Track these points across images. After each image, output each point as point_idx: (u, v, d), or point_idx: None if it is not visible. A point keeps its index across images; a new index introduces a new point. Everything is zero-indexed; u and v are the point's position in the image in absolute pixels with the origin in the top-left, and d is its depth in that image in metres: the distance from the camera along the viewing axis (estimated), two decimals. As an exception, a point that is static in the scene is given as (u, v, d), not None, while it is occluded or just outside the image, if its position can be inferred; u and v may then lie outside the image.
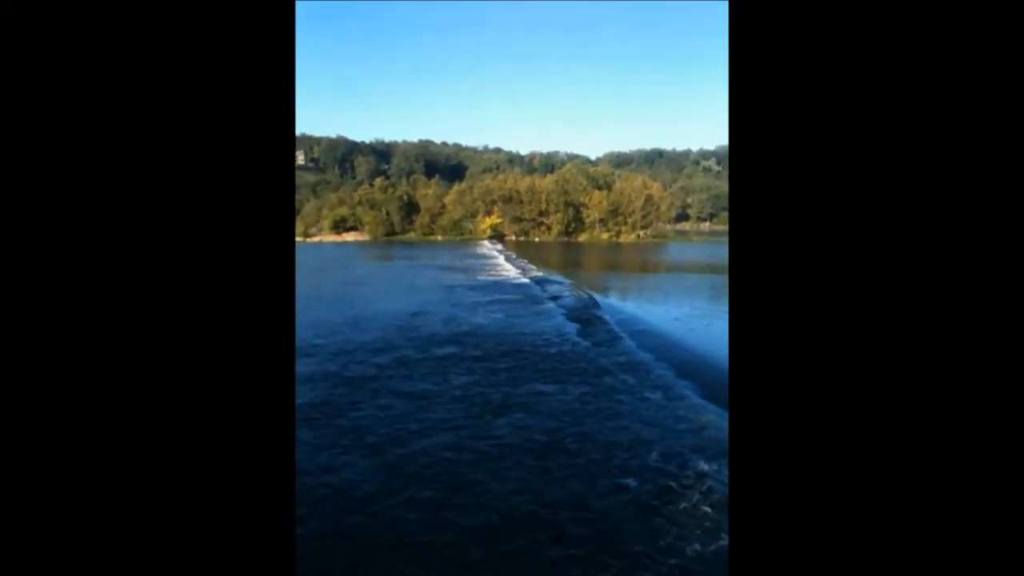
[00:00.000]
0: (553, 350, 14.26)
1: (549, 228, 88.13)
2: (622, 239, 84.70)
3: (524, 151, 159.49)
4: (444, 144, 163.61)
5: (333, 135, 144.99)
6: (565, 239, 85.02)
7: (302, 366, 12.73)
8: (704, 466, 7.10)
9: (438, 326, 17.31)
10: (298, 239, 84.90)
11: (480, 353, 13.93)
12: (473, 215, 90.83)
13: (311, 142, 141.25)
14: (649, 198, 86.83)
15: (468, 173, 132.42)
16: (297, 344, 14.86)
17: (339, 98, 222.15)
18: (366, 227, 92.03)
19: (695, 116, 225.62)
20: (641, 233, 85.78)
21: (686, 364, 12.51)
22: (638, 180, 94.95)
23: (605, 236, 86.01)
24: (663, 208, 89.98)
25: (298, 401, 10.61)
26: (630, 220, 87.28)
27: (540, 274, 33.87)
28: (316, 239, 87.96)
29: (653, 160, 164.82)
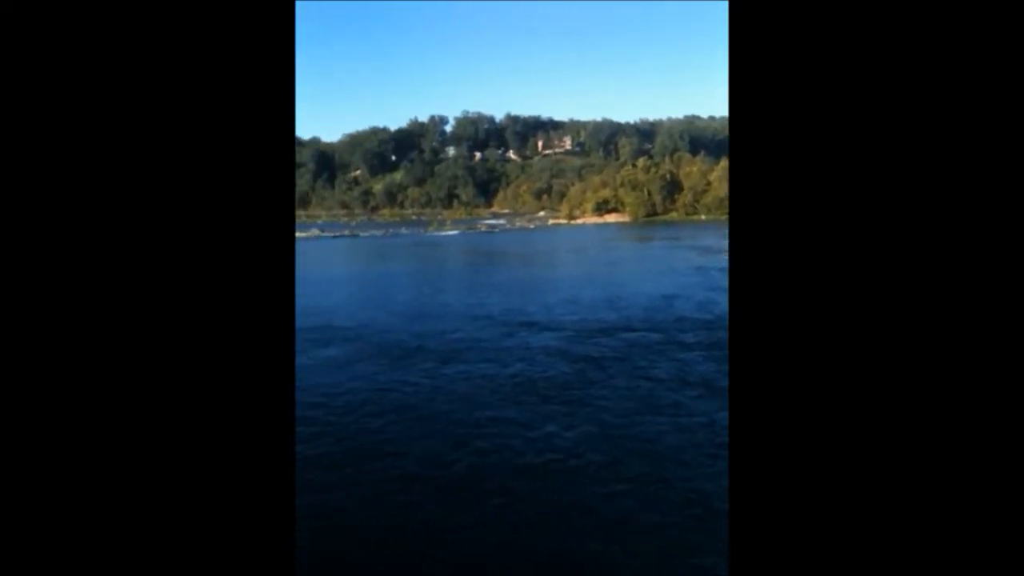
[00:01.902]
0: None
1: None
2: None
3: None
4: (711, 119, 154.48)
5: (599, 118, 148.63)
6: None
7: (545, 340, 13.60)
8: None
9: (689, 310, 16.81)
10: (562, 222, 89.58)
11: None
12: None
13: (578, 127, 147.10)
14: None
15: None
16: (545, 320, 16.25)
17: (603, 79, 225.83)
18: (627, 208, 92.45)
19: None
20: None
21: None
22: None
23: None
24: None
25: (538, 375, 11.45)
26: None
27: None
28: (579, 221, 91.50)
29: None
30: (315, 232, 66.24)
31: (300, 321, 17.42)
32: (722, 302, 17.96)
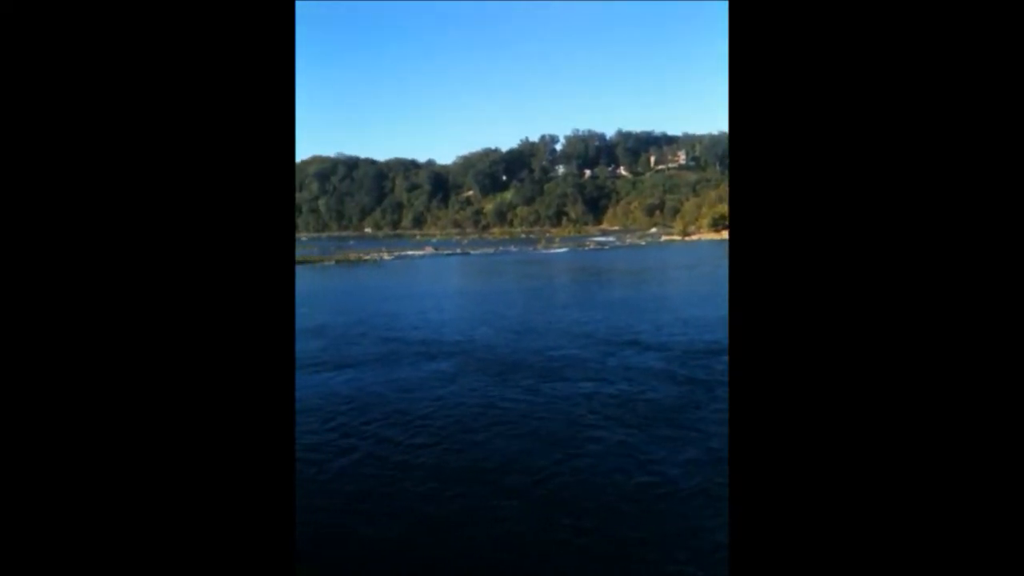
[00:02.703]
0: None
1: None
2: None
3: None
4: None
5: (715, 132, 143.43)
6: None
7: (650, 360, 13.23)
8: None
9: None
10: (676, 238, 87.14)
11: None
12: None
13: (692, 141, 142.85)
14: None
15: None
16: (651, 339, 15.87)
17: (718, 92, 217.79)
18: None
19: None
20: None
21: None
22: None
23: None
24: None
25: (639, 395, 11.17)
26: None
27: None
28: (695, 237, 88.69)
29: None
30: (429, 250, 69.52)
31: (411, 335, 18.69)
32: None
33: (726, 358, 13.41)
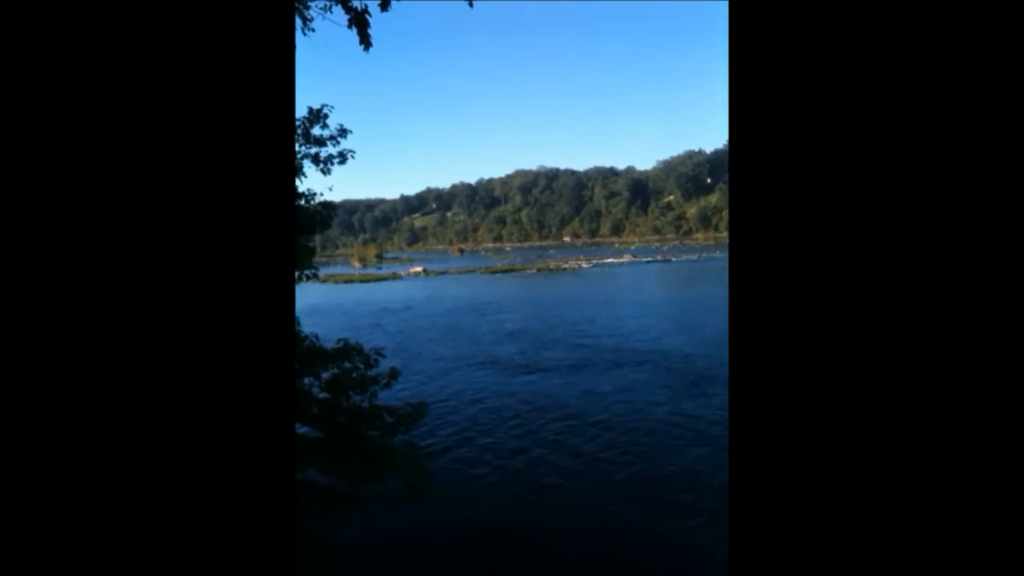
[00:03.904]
0: None
1: None
2: None
3: None
4: None
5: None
6: None
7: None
8: None
9: None
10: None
11: None
12: None
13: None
14: None
15: None
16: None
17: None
18: None
19: None
20: None
21: None
22: None
23: None
24: None
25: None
26: None
27: None
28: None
29: None
30: (628, 258, 69.19)
31: (603, 342, 18.93)
32: None
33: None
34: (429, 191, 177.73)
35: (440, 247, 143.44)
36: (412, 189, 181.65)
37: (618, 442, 9.82)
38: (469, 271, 59.86)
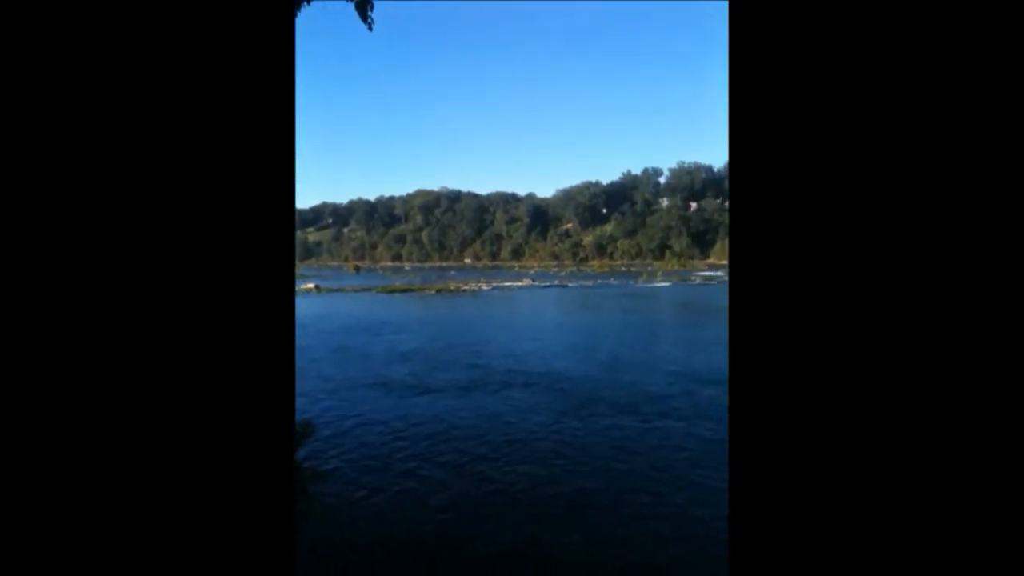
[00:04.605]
0: None
1: None
2: None
3: None
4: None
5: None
6: None
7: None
8: None
9: None
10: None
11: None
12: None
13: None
14: None
15: None
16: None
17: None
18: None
19: None
20: None
21: None
22: None
23: None
24: None
25: (713, 434, 10.87)
26: None
27: None
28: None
29: None
30: (527, 282, 70.73)
31: (497, 363, 19.18)
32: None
33: None
34: (325, 205, 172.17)
35: (335, 264, 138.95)
36: (306, 202, 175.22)
37: (502, 460, 10.07)
38: (365, 289, 58.47)
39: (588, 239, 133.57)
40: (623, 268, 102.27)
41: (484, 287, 62.55)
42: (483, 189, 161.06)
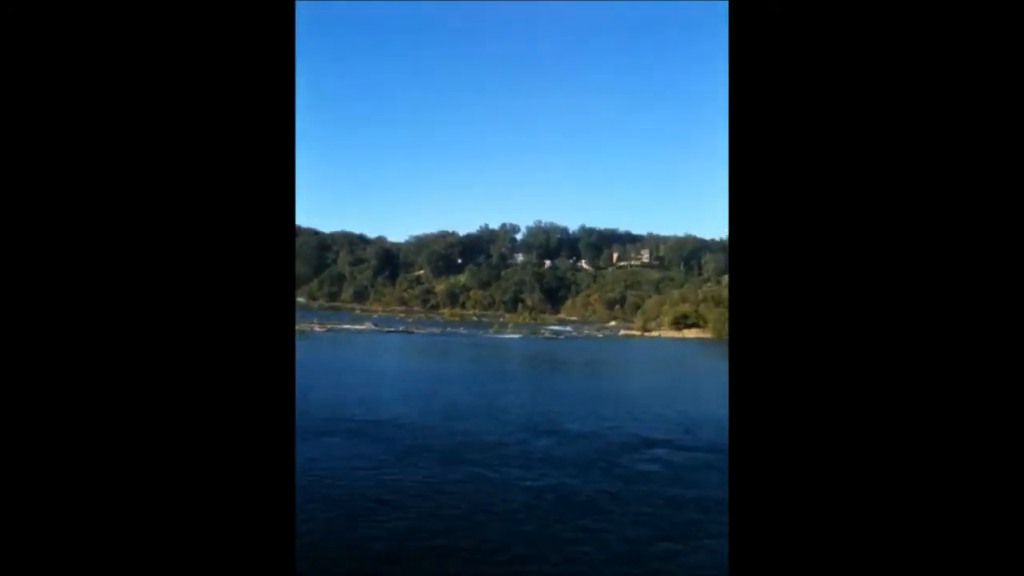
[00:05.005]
0: None
1: None
2: None
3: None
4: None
5: (680, 234, 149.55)
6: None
7: (561, 449, 12.27)
8: None
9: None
10: (635, 333, 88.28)
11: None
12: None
13: (657, 241, 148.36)
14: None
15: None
16: (564, 428, 14.86)
17: (687, 196, 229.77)
18: (709, 324, 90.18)
19: None
20: None
21: None
22: None
23: None
24: None
25: (535, 483, 10.11)
26: None
27: None
28: (655, 333, 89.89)
29: None
30: (368, 325, 67.83)
31: (317, 410, 17.37)
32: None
33: (651, 452, 12.79)
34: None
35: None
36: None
37: (306, 508, 8.58)
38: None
39: (440, 287, 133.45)
40: (474, 318, 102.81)
41: (317, 328, 58.78)
42: (327, 227, 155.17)
